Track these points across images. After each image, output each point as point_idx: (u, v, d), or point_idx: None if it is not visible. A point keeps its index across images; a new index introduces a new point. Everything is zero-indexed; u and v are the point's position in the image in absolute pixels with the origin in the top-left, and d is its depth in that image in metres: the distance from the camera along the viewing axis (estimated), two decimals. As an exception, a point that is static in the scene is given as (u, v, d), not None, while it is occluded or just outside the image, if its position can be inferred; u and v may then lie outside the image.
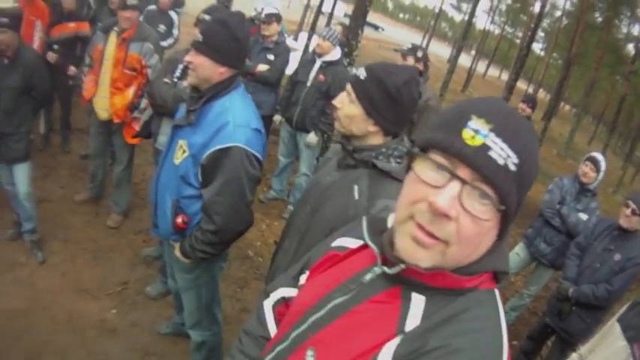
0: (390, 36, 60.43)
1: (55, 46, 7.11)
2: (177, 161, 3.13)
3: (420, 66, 5.86)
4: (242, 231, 3.24)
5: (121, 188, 6.28)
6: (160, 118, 4.89)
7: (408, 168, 1.25)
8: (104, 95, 5.68)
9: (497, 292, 1.29)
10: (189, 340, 4.14)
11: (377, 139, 2.40)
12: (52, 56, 7.13)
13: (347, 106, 2.37)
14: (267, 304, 1.84)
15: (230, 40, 2.93)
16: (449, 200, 1.10)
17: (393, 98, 2.27)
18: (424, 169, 1.17)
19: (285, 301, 1.79)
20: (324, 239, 1.78)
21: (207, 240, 3.09)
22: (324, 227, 2.31)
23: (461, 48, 31.47)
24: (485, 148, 1.09)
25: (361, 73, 2.33)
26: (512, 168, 1.10)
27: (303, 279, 1.71)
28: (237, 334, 4.96)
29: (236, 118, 2.92)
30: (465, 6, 55.78)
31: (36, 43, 7.26)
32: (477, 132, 1.10)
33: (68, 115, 8.09)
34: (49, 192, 6.82)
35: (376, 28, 65.31)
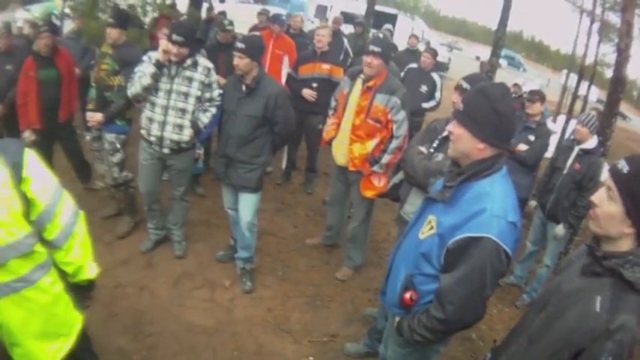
0: (637, 126, 56.88)
1: (314, 84, 7.42)
2: (422, 236, 3.03)
3: None
4: (471, 324, 3.08)
5: (355, 243, 6.26)
6: (409, 186, 4.79)
7: None
8: (343, 141, 5.74)
9: None
10: (380, 406, 4.03)
11: (626, 244, 2.25)
12: (308, 92, 7.50)
13: (606, 204, 2.25)
14: None
15: (490, 112, 2.77)
16: None
17: None
18: None
19: None
20: None
21: (430, 326, 2.95)
22: (561, 338, 2.28)
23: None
24: None
25: (623, 165, 2.21)
26: None
27: None
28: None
29: (494, 207, 2.73)
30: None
31: (283, 79, 7.65)
32: None
33: (314, 158, 8.48)
34: (279, 227, 7.18)
35: (624, 117, 61.57)
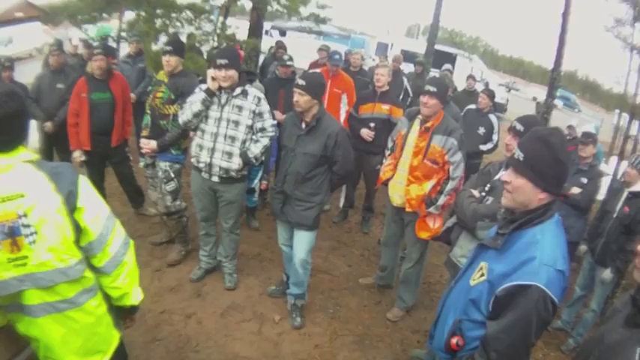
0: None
1: (372, 124, 7.70)
2: (472, 282, 3.12)
3: None
4: None
5: (408, 285, 6.37)
6: (460, 229, 4.92)
7: None
8: (401, 181, 5.89)
9: None
10: None
11: None
12: (366, 132, 7.73)
13: None
14: None
15: (553, 162, 2.83)
16: None
17: None
18: None
19: None
20: None
21: None
22: None
23: None
24: None
25: None
26: None
27: None
28: None
29: (544, 255, 2.78)
30: None
31: (342, 117, 7.90)
32: None
33: (372, 198, 8.70)
34: (333, 265, 7.38)
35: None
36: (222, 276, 6.43)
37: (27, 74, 9.89)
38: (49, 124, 8.10)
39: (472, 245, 4.35)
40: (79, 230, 2.91)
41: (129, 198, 8.08)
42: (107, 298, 3.23)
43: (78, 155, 7.18)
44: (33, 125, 6.60)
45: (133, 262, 3.25)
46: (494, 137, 9.46)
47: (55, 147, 8.57)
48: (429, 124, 5.57)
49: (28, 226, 2.76)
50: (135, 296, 3.32)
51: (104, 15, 18.48)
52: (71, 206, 2.85)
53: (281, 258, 6.30)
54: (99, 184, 7.35)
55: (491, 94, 9.74)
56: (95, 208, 3.00)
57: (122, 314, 3.43)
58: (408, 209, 5.84)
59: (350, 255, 7.90)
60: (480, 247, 3.24)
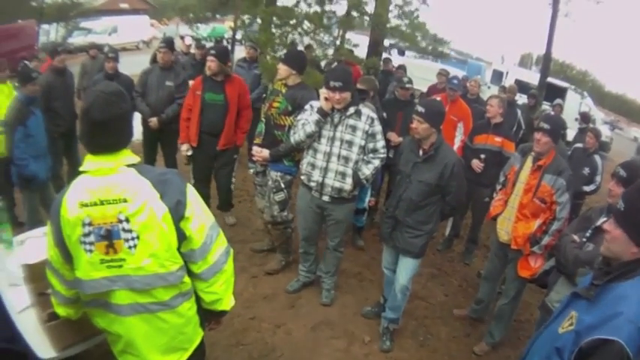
0: None
1: (483, 155, 7.92)
2: (561, 330, 3.12)
3: None
4: None
5: (500, 321, 6.48)
6: (558, 274, 5.03)
7: None
8: (509, 217, 6.03)
9: None
10: None
11: None
12: (475, 163, 7.95)
13: None
14: None
15: None
16: None
17: None
18: None
19: None
20: None
21: None
22: None
23: None
24: None
25: None
26: None
27: None
28: None
29: (630, 311, 2.78)
30: None
31: (456, 145, 8.16)
32: None
33: (478, 230, 8.89)
34: (430, 293, 7.62)
35: None
36: (320, 291, 6.73)
37: (132, 66, 10.50)
38: (154, 120, 8.52)
39: (569, 292, 4.25)
40: (183, 238, 3.05)
41: (219, 200, 8.44)
42: (197, 299, 3.37)
43: (185, 149, 7.68)
44: (137, 119, 7.09)
45: (231, 271, 3.42)
46: (597, 179, 9.53)
47: (160, 142, 9.07)
48: (541, 162, 5.71)
49: (129, 231, 2.91)
50: (227, 302, 3.48)
51: (217, 16, 19.21)
52: (179, 215, 2.99)
53: (381, 279, 6.54)
54: (204, 183, 7.81)
55: (597, 134, 9.85)
56: (201, 218, 3.14)
57: (209, 316, 3.58)
58: (513, 246, 5.97)
59: (448, 284, 8.11)
60: (572, 296, 3.28)
